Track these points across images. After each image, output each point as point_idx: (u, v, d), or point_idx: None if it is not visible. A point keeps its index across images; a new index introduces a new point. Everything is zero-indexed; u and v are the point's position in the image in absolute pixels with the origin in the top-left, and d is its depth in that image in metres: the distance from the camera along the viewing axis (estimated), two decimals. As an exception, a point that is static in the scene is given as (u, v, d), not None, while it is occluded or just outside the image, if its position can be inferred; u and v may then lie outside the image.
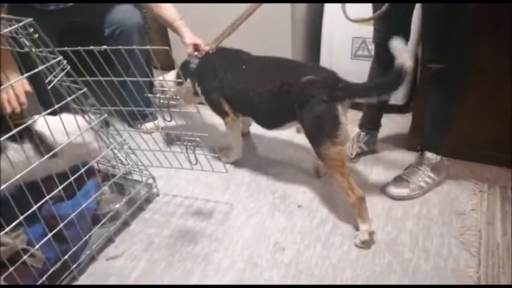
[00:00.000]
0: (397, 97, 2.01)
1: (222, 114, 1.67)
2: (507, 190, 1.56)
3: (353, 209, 1.37)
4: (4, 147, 1.27)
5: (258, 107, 1.50)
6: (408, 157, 1.76)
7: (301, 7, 2.03)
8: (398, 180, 1.58)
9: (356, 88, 1.30)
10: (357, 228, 1.40)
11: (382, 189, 1.60)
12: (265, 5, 1.52)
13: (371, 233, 1.36)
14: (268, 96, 1.43)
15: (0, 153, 1.24)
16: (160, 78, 1.62)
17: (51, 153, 1.24)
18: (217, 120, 1.85)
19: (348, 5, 1.35)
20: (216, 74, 1.57)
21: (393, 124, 2.02)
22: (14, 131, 1.10)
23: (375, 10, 1.41)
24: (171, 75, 1.77)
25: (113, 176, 1.45)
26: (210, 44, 1.62)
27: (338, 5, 1.44)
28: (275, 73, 1.44)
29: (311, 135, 1.38)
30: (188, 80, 1.68)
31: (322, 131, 1.33)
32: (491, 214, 1.47)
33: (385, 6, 1.28)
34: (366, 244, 1.36)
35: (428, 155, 1.57)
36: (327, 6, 2.01)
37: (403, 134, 1.89)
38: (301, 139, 1.89)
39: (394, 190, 1.56)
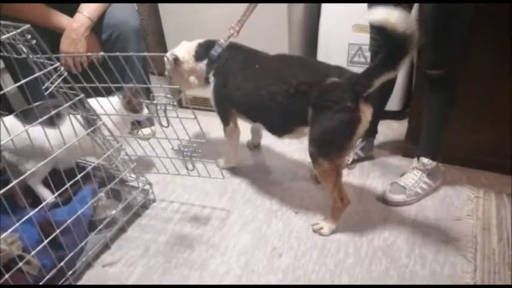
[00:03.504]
0: (393, 103, 2.02)
1: (225, 120, 1.63)
2: (503, 196, 1.57)
3: (333, 209, 1.42)
4: (64, 114, 1.37)
5: (270, 109, 1.39)
6: (404, 163, 1.77)
7: (298, 13, 2.04)
8: (394, 186, 1.58)
9: (367, 72, 1.21)
10: (321, 215, 1.50)
11: (378, 195, 1.61)
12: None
13: (332, 232, 1.45)
14: (282, 97, 1.33)
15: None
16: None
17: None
18: (214, 126, 1.86)
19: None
20: (232, 79, 1.49)
21: (389, 130, 2.03)
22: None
23: None
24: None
25: (110, 181, 1.45)
26: (233, 28, 1.52)
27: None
28: (291, 72, 1.34)
29: (318, 144, 1.30)
30: (205, 62, 1.57)
31: (334, 143, 1.27)
32: (487, 220, 1.47)
33: None
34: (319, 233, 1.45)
35: (425, 161, 1.57)
36: (324, 13, 2.02)
37: (399, 140, 1.90)
38: (298, 146, 1.90)
39: (390, 196, 1.56)
